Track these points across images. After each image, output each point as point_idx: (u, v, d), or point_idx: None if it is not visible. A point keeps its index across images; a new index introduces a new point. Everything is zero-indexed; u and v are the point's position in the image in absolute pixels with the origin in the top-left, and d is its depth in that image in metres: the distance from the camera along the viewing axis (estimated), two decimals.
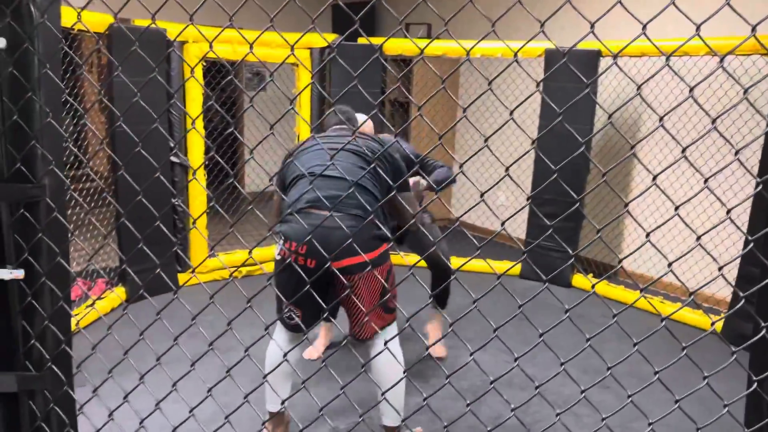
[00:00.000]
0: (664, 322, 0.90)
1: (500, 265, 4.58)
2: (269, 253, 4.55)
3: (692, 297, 0.96)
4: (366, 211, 2.04)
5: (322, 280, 2.09)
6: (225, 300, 4.08)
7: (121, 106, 3.40)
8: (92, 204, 3.91)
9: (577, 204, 1.12)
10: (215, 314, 3.49)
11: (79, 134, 6.22)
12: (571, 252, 3.95)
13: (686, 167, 4.07)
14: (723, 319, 3.54)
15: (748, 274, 3.33)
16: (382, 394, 1.05)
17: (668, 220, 0.95)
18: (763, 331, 0.91)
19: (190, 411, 1.18)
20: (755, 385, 0.95)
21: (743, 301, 0.96)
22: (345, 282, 2.02)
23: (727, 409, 0.98)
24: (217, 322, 3.42)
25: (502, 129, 5.36)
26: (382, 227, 2.10)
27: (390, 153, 2.26)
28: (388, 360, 2.14)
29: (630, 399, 1.03)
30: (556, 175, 1.03)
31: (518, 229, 5.10)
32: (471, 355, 1.06)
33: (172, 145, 3.79)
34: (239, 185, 1.15)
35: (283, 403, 1.27)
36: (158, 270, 1.25)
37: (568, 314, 1.01)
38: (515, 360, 0.98)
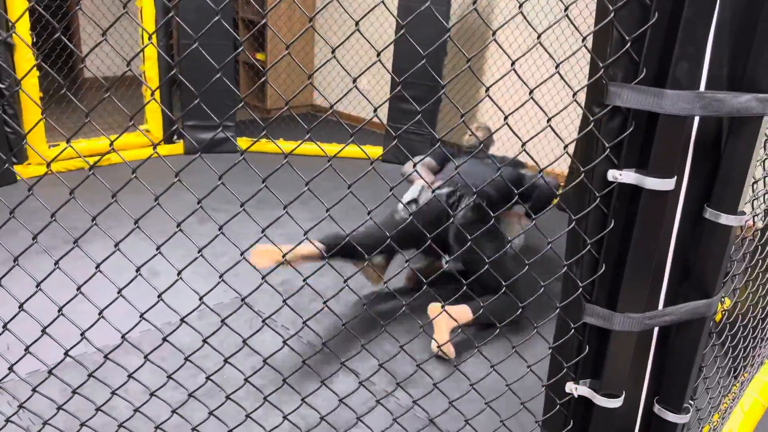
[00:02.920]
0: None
1: (369, 150, 4.67)
2: (116, 143, 4.24)
3: (541, 173, 1.07)
4: None
5: None
6: (69, 192, 3.80)
7: None
8: None
9: (442, 91, 1.18)
10: (63, 207, 3.29)
11: None
12: (436, 136, 4.13)
13: (536, 53, 4.30)
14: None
15: None
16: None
17: (524, 103, 1.04)
18: (581, 176, 1.06)
19: (59, 310, 1.15)
20: (573, 223, 1.10)
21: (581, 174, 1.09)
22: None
23: (566, 268, 1.14)
24: (66, 214, 3.20)
25: (360, 9, 5.25)
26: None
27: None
28: None
29: (447, 263, 1.15)
30: (423, 61, 1.06)
31: (379, 112, 5.18)
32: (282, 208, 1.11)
33: None
34: (76, 69, 1.05)
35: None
36: None
37: (395, 186, 1.08)
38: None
